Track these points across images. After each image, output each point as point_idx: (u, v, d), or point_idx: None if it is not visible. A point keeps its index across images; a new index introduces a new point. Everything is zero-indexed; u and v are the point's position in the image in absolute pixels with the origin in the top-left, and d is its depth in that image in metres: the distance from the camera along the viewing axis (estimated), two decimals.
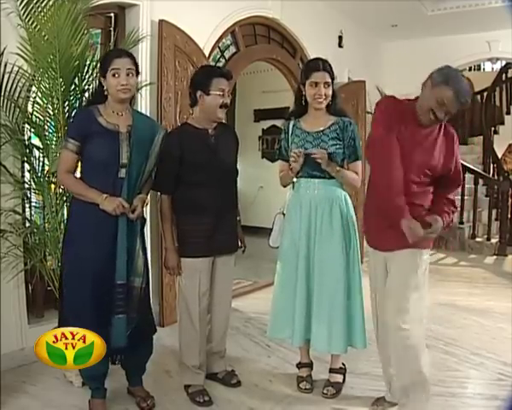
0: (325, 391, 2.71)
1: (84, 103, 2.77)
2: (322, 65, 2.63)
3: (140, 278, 2.44)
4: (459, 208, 6.97)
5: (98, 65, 2.46)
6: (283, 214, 2.78)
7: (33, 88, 2.88)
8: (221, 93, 2.56)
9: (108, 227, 2.30)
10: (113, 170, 2.32)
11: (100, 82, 2.39)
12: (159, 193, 2.65)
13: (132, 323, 2.38)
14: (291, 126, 2.73)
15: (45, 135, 2.84)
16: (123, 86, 2.32)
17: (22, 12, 2.77)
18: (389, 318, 2.32)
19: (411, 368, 2.28)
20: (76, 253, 2.32)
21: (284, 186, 2.83)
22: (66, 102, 2.79)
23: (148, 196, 2.62)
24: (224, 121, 2.73)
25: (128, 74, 2.33)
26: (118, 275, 2.32)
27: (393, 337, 2.31)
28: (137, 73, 2.40)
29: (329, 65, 2.67)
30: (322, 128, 2.65)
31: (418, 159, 2.22)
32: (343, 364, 2.85)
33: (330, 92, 2.63)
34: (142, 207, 2.43)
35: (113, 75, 2.31)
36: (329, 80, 2.62)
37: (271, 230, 2.81)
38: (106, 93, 2.36)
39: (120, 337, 2.34)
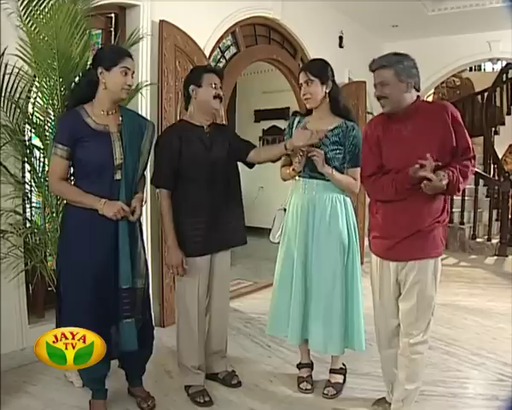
0: (325, 392, 2.71)
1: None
2: (305, 65, 2.70)
3: (142, 279, 2.43)
4: (459, 209, 6.98)
5: (97, 57, 2.33)
6: (284, 210, 2.78)
7: (34, 89, 2.88)
8: (213, 86, 2.60)
9: (108, 231, 2.26)
10: (109, 173, 2.26)
11: (92, 76, 2.29)
12: (157, 190, 2.61)
13: (139, 324, 2.38)
14: (296, 123, 2.74)
15: (46, 135, 2.83)
16: (128, 87, 2.30)
17: (22, 13, 2.78)
18: (405, 329, 2.31)
19: (417, 376, 2.32)
20: (75, 259, 2.26)
21: (284, 180, 2.84)
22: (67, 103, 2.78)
23: (148, 194, 2.59)
24: (222, 121, 2.73)
25: (132, 76, 2.32)
26: (123, 280, 2.30)
27: (406, 348, 2.30)
28: None
29: (318, 64, 2.66)
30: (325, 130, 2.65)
31: (413, 152, 2.20)
32: (343, 364, 2.85)
33: (315, 89, 2.60)
34: (141, 207, 2.41)
35: (122, 73, 2.26)
36: (310, 78, 2.59)
37: (272, 225, 2.81)
38: (103, 87, 2.27)
39: (131, 341, 2.33)
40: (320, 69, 2.63)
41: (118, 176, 2.28)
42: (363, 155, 2.40)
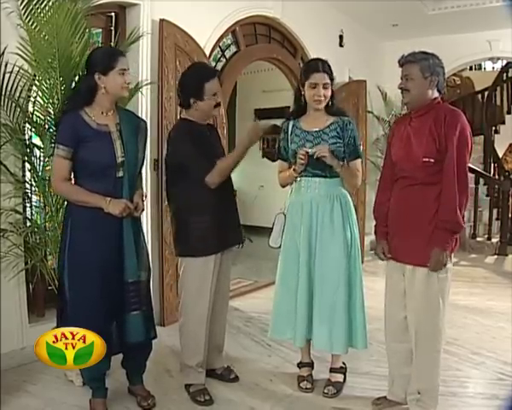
0: (326, 391, 2.71)
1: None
2: (321, 66, 2.62)
3: (145, 272, 2.48)
4: None
5: (91, 63, 2.34)
6: (284, 214, 2.76)
7: (34, 87, 2.88)
8: (214, 96, 2.60)
9: (113, 228, 2.30)
10: (112, 171, 2.30)
11: (91, 81, 2.29)
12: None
13: (147, 316, 2.44)
14: (290, 126, 2.73)
15: (46, 134, 2.83)
16: (128, 85, 2.34)
17: (23, 12, 2.78)
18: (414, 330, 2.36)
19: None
20: (80, 258, 2.28)
21: (283, 187, 2.82)
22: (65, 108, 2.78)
23: (149, 191, 2.61)
24: (223, 121, 2.76)
25: (128, 74, 2.35)
26: (129, 274, 2.35)
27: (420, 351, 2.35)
28: None
29: (329, 65, 2.66)
30: (321, 127, 2.65)
31: (409, 149, 2.31)
32: (344, 363, 2.85)
33: (329, 93, 2.63)
34: (143, 203, 2.45)
35: (120, 74, 2.29)
36: (328, 81, 2.61)
37: (271, 230, 2.79)
38: (103, 91, 2.29)
39: (139, 332, 2.39)
40: (331, 71, 2.66)
41: (120, 173, 2.33)
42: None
